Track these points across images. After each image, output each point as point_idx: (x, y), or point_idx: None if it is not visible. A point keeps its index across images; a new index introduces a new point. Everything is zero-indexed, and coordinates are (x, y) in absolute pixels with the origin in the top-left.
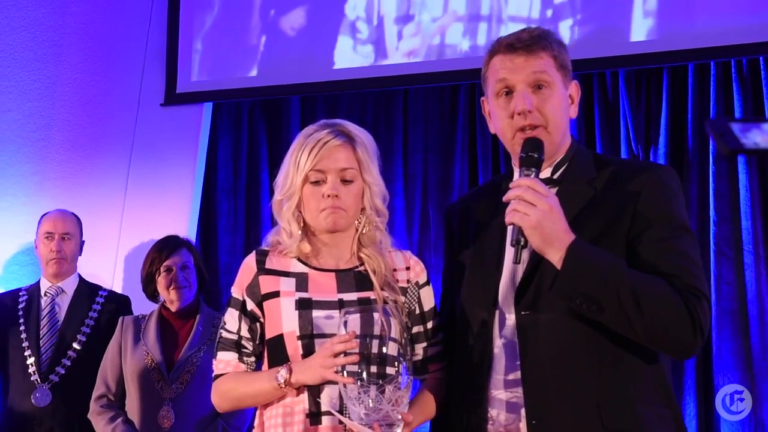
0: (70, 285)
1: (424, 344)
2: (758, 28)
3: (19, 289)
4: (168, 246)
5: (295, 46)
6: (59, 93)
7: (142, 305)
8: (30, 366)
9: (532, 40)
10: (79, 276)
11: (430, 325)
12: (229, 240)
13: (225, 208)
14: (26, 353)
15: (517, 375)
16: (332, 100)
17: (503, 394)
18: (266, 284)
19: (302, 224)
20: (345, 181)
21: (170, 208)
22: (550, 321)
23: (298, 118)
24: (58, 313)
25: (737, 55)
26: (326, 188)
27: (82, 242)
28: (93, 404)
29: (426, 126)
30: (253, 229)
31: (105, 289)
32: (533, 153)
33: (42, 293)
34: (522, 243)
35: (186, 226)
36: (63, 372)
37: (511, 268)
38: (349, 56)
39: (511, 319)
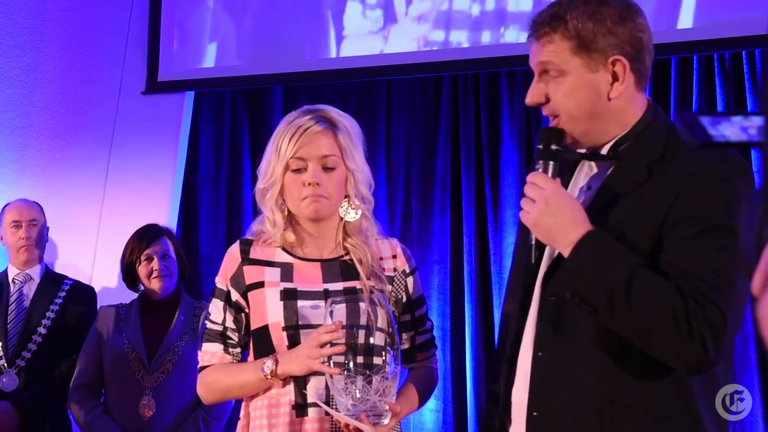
0: (37, 273)
1: (412, 333)
2: (740, 22)
3: None
4: (148, 234)
5: (280, 34)
6: (39, 80)
7: (122, 294)
8: None
9: (542, 24)
10: (45, 265)
11: (417, 313)
12: (210, 229)
13: (206, 198)
14: None
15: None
16: (315, 90)
17: (522, 383)
18: (251, 274)
19: (286, 213)
20: (327, 169)
21: (151, 197)
22: (569, 310)
23: (280, 107)
24: (25, 300)
25: (720, 49)
26: (307, 176)
27: (47, 228)
28: (72, 393)
29: (409, 117)
30: (235, 218)
31: (70, 279)
32: (545, 144)
33: (10, 280)
34: (536, 241)
35: (167, 216)
36: (29, 356)
37: (550, 250)
38: (359, 22)
39: (537, 304)
